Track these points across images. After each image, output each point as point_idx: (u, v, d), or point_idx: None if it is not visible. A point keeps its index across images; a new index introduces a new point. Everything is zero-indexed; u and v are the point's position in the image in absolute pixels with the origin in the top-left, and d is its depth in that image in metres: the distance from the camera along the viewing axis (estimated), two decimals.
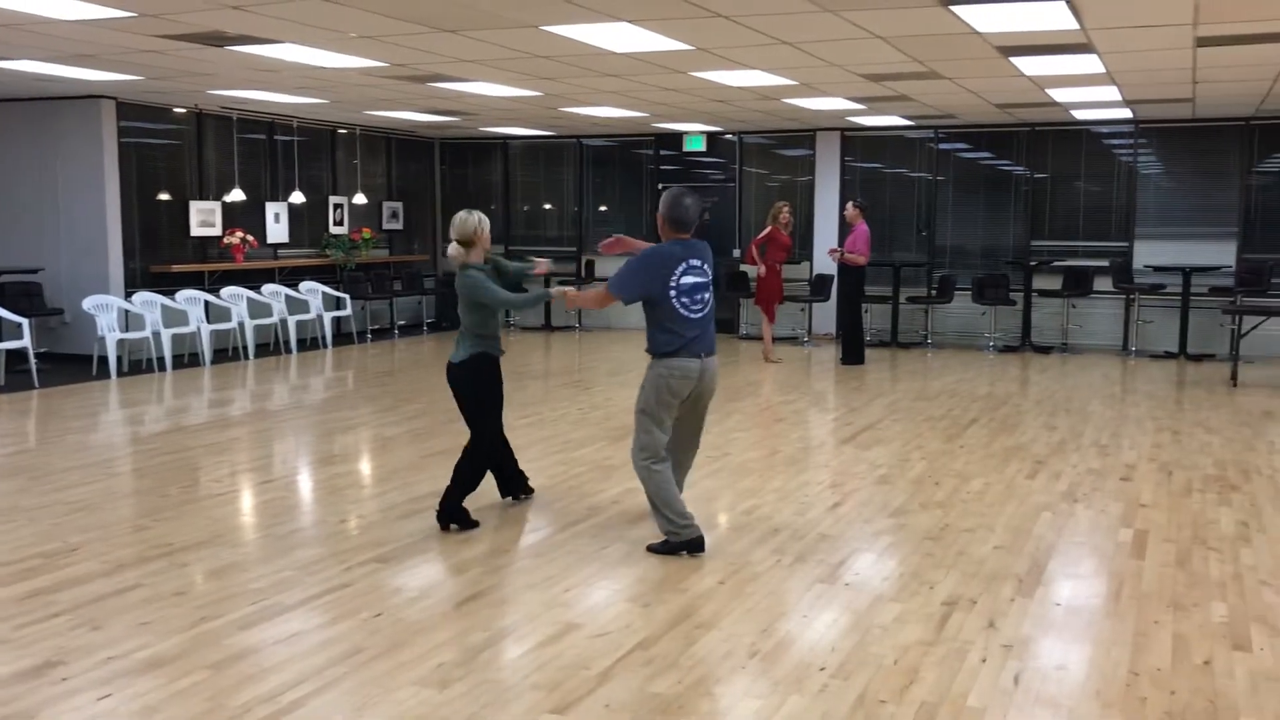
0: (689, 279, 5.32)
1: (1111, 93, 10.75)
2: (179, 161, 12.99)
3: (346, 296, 14.46)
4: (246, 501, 6.59)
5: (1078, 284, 13.52)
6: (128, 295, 12.11)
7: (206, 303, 12.57)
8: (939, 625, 4.44)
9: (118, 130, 12.09)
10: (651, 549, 5.40)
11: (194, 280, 12.89)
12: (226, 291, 12.92)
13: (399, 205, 16.39)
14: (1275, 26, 7.28)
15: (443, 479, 6.04)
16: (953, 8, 6.74)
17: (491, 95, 11.20)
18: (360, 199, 15.26)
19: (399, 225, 16.42)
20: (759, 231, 12.90)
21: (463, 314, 5.86)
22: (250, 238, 13.39)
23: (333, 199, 15.00)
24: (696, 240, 5.46)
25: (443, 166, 17.31)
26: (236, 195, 13.34)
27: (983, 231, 14.46)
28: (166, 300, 12.17)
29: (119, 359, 11.43)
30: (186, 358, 12.29)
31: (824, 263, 14.21)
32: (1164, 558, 5.37)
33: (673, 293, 5.28)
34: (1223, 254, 13.21)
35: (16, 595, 4.77)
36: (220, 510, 6.26)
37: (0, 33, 7.85)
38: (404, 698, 3.75)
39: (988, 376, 11.62)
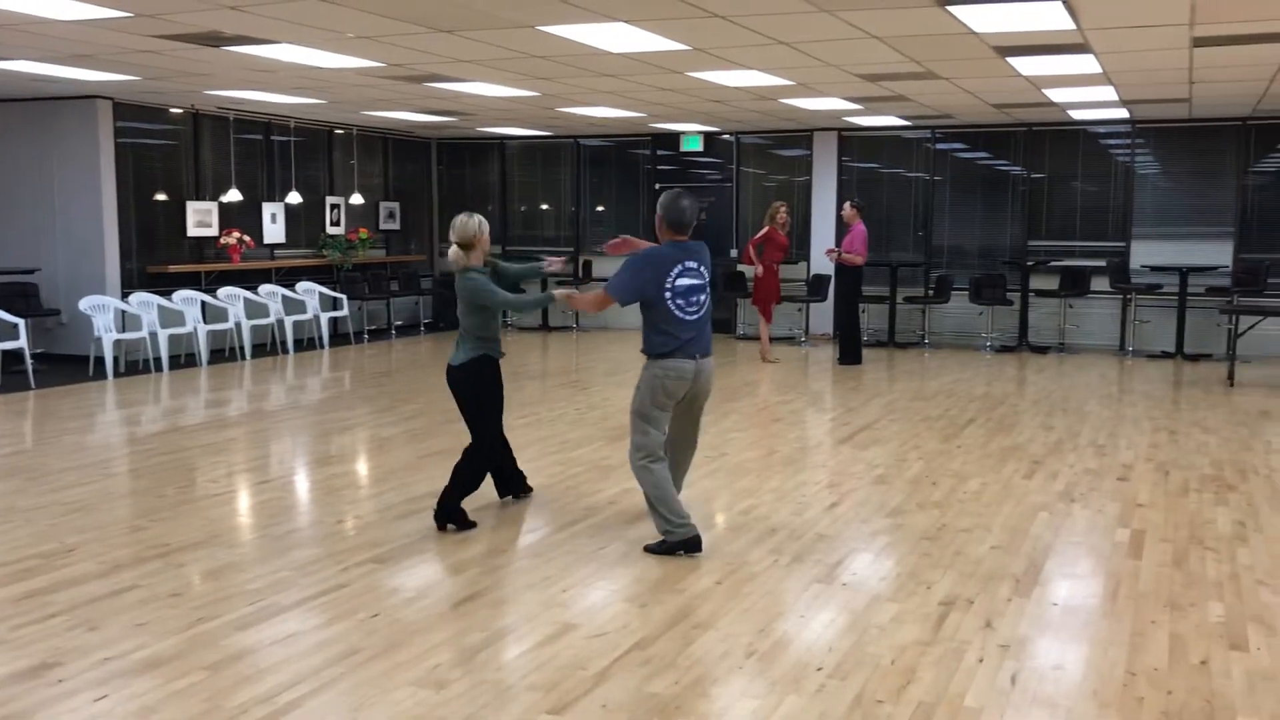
0: (684, 281, 5.33)
1: (1108, 93, 10.77)
2: (176, 162, 12.98)
3: (343, 297, 14.45)
4: (243, 502, 6.59)
5: (1075, 284, 13.53)
6: (124, 296, 12.10)
7: (203, 303, 12.56)
8: (936, 625, 4.44)
9: (114, 130, 12.07)
10: (648, 549, 5.40)
11: (191, 280, 12.88)
12: (223, 292, 12.91)
13: (396, 205, 16.38)
14: (1271, 27, 7.29)
15: (440, 479, 6.04)
16: (949, 8, 6.75)
17: (488, 95, 11.19)
18: (357, 199, 15.25)
19: (396, 225, 16.42)
20: (756, 232, 12.91)
21: (463, 317, 5.86)
22: (247, 238, 13.38)
23: (329, 199, 14.99)
24: (694, 242, 5.47)
25: (440, 167, 17.31)
26: (233, 195, 13.33)
27: (980, 231, 14.47)
28: (163, 301, 12.16)
29: (116, 359, 11.42)
30: (183, 358, 12.28)
31: (821, 263, 14.22)
32: (1161, 558, 5.37)
33: (668, 294, 5.29)
34: (1219, 254, 13.22)
35: (13, 596, 4.76)
36: (217, 511, 6.26)
37: None
38: (401, 698, 3.75)
39: (985, 376, 11.63)
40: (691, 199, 5.44)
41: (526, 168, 16.95)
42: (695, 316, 5.37)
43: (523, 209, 17.00)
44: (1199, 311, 12.98)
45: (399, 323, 15.76)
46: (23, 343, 10.64)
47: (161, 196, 12.76)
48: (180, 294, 12.40)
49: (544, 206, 16.92)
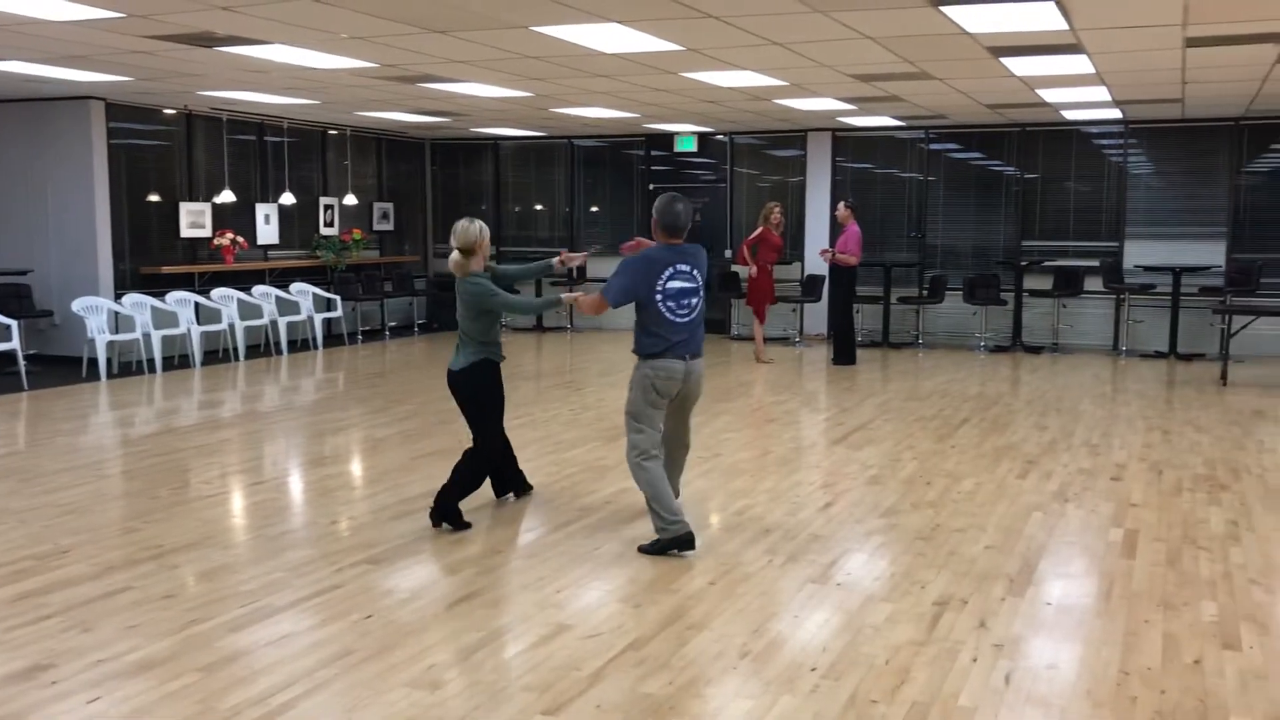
0: (675, 284, 5.37)
1: (1101, 93, 10.79)
2: (169, 163, 12.96)
3: (337, 298, 14.43)
4: (237, 503, 6.58)
5: (1068, 284, 13.56)
6: (117, 297, 12.07)
7: (197, 304, 12.54)
8: (930, 625, 4.45)
9: (107, 131, 12.05)
10: (642, 549, 5.41)
11: (184, 282, 12.86)
12: (217, 293, 12.88)
13: (389, 206, 16.36)
14: (1264, 27, 7.31)
15: (434, 480, 6.04)
16: (942, 8, 6.75)
17: (482, 96, 11.19)
18: (351, 200, 15.23)
19: (390, 226, 16.40)
20: (750, 232, 12.91)
21: (464, 321, 5.87)
22: (240, 239, 13.36)
23: (323, 200, 14.97)
24: (690, 245, 5.50)
25: (433, 167, 17.29)
26: (226, 196, 13.31)
27: (974, 232, 14.49)
28: (156, 302, 12.13)
29: (109, 361, 11.39)
30: (176, 359, 12.26)
31: (815, 263, 14.22)
32: (1154, 557, 5.39)
33: (659, 297, 5.34)
34: (1212, 254, 13.26)
35: (6, 598, 4.75)
36: (210, 512, 6.25)
37: None
38: (395, 699, 3.74)
39: (979, 376, 11.64)
40: (686, 202, 5.49)
41: (520, 168, 16.94)
42: (686, 319, 5.41)
43: (517, 210, 17.00)
44: (1192, 311, 13.01)
45: (393, 324, 15.75)
46: (15, 344, 10.61)
47: (155, 197, 12.74)
48: (173, 295, 12.38)
49: (538, 207, 16.91)
